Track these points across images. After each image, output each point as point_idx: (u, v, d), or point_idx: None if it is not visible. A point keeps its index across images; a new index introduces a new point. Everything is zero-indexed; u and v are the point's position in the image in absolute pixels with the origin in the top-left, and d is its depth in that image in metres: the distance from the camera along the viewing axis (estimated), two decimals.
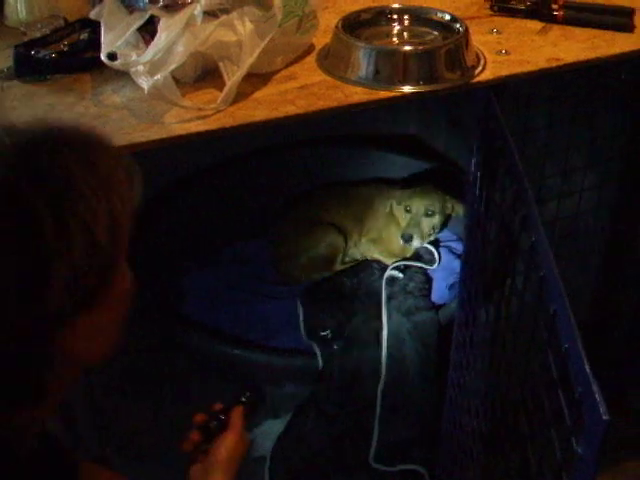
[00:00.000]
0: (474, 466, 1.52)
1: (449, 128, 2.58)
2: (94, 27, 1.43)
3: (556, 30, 1.54)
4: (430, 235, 2.33)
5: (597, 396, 0.82)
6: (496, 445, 1.35)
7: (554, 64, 1.42)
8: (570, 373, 0.90)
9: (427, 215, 2.27)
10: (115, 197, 0.82)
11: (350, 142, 2.72)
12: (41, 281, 0.75)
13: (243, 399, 1.31)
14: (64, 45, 1.45)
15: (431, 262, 2.35)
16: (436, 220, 2.29)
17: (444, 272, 2.34)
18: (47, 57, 1.42)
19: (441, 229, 2.36)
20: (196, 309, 2.30)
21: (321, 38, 1.47)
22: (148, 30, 1.36)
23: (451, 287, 2.28)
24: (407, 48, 1.38)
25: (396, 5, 1.51)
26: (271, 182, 2.60)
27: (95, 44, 1.38)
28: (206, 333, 2.11)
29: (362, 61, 1.34)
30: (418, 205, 2.28)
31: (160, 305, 2.21)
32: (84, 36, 1.48)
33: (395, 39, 1.47)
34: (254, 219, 2.59)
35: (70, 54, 1.44)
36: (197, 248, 2.52)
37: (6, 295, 0.74)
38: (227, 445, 1.21)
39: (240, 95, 1.30)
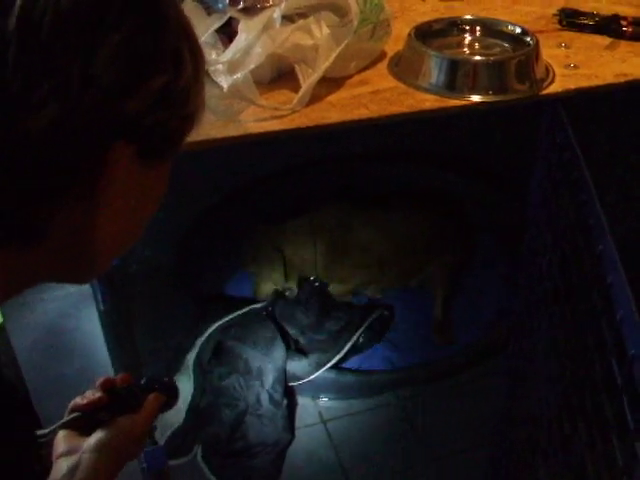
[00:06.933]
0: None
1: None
2: None
3: (624, 46, 1.56)
4: None
5: None
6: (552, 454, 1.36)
7: (622, 79, 1.44)
8: (635, 377, 0.91)
9: None
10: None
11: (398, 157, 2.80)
12: (146, 69, 0.61)
13: (158, 387, 1.08)
14: None
15: None
16: None
17: None
18: None
19: None
20: None
21: (392, 45, 1.50)
22: (225, 32, 1.40)
23: None
24: (478, 58, 1.41)
25: (468, 16, 1.54)
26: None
27: None
28: None
29: (433, 69, 1.37)
30: None
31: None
32: None
33: (466, 49, 1.50)
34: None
35: None
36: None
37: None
38: (134, 429, 0.98)
39: (314, 97, 1.33)
